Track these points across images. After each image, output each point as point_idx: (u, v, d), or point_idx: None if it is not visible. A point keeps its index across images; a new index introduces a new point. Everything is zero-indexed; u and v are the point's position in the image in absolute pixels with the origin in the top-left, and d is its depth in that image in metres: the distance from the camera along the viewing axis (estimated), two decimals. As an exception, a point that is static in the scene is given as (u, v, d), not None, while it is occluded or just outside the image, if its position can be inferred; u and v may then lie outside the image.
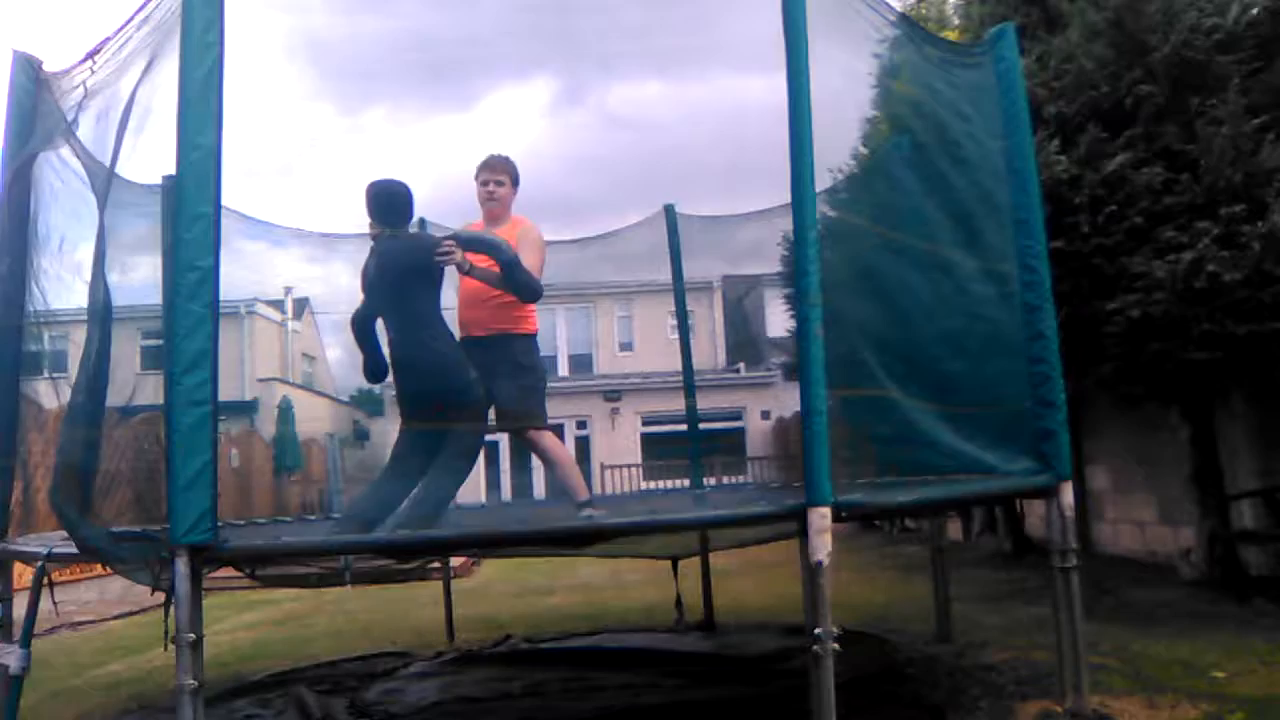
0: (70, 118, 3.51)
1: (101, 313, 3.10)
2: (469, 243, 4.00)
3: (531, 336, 4.32)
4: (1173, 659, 4.42)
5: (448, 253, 3.85)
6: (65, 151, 3.65)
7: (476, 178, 4.43)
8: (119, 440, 3.36)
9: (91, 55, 3.45)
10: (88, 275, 3.23)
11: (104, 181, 3.29)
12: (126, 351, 3.35)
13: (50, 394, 3.89)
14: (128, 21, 3.24)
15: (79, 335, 3.16)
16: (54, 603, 3.61)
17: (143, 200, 3.98)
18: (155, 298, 3.43)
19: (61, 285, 3.76)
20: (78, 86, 3.53)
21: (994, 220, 3.99)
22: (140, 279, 3.76)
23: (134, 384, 3.24)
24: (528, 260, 4.06)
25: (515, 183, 4.44)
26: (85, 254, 3.57)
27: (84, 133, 3.50)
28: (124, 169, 3.36)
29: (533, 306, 4.25)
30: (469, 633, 6.29)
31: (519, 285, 4.02)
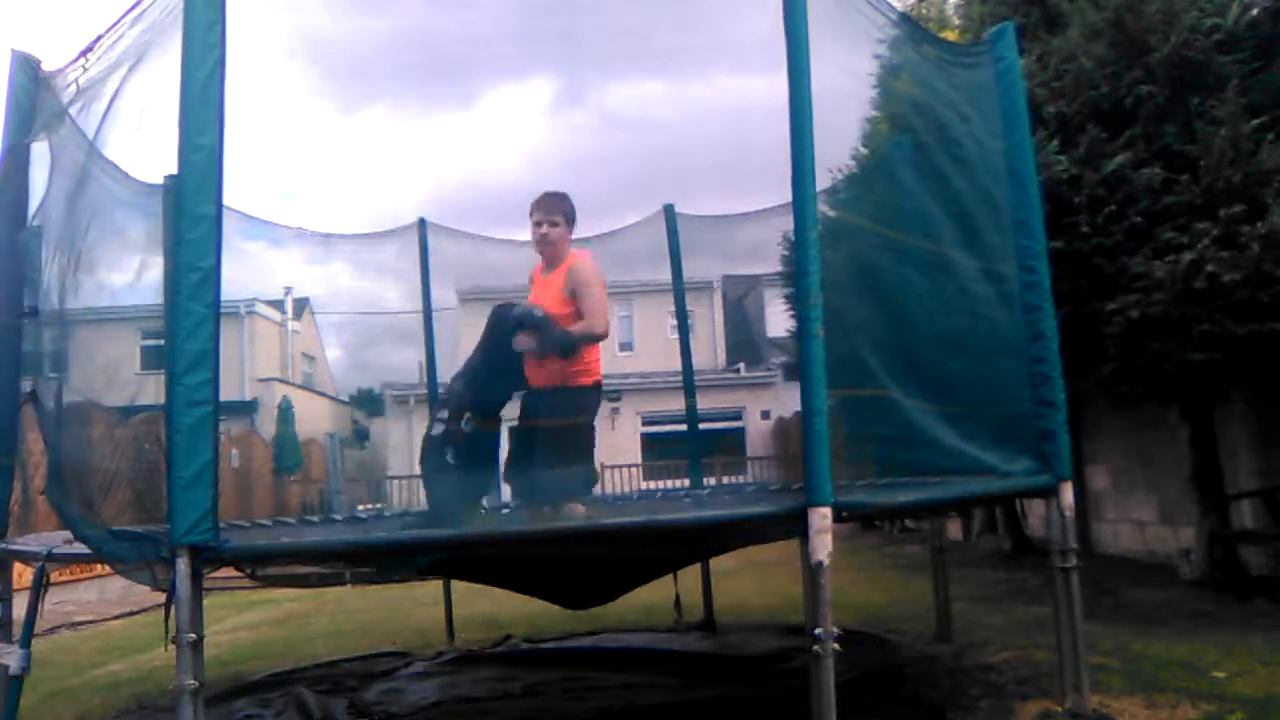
0: (59, 111, 3.51)
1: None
2: (533, 324, 4.03)
3: (580, 391, 4.15)
4: (1173, 659, 4.42)
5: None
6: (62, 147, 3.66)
7: (530, 216, 4.20)
8: (119, 440, 3.36)
9: (85, 53, 3.44)
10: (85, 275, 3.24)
11: (77, 174, 3.28)
12: (127, 351, 3.35)
13: (50, 393, 3.89)
14: (120, 19, 3.24)
15: (78, 335, 3.17)
16: (42, 602, 3.61)
17: (145, 200, 3.97)
18: (155, 298, 3.43)
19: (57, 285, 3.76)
20: (71, 84, 3.53)
21: (994, 220, 3.99)
22: (140, 279, 3.76)
23: (135, 384, 3.24)
24: (587, 303, 3.98)
25: (570, 221, 4.21)
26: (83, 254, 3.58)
27: (68, 128, 3.50)
28: (121, 164, 3.37)
29: (584, 360, 4.13)
30: (469, 633, 6.29)
31: (567, 348, 4.01)
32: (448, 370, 7.04)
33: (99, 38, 3.37)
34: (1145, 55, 5.55)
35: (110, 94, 3.27)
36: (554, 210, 4.16)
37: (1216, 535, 6.27)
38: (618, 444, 23.70)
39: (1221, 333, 5.11)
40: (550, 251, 4.21)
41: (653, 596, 7.09)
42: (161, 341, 2.81)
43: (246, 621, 7.77)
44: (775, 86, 3.05)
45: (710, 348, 25.34)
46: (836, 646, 2.83)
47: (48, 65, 3.82)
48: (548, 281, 4.20)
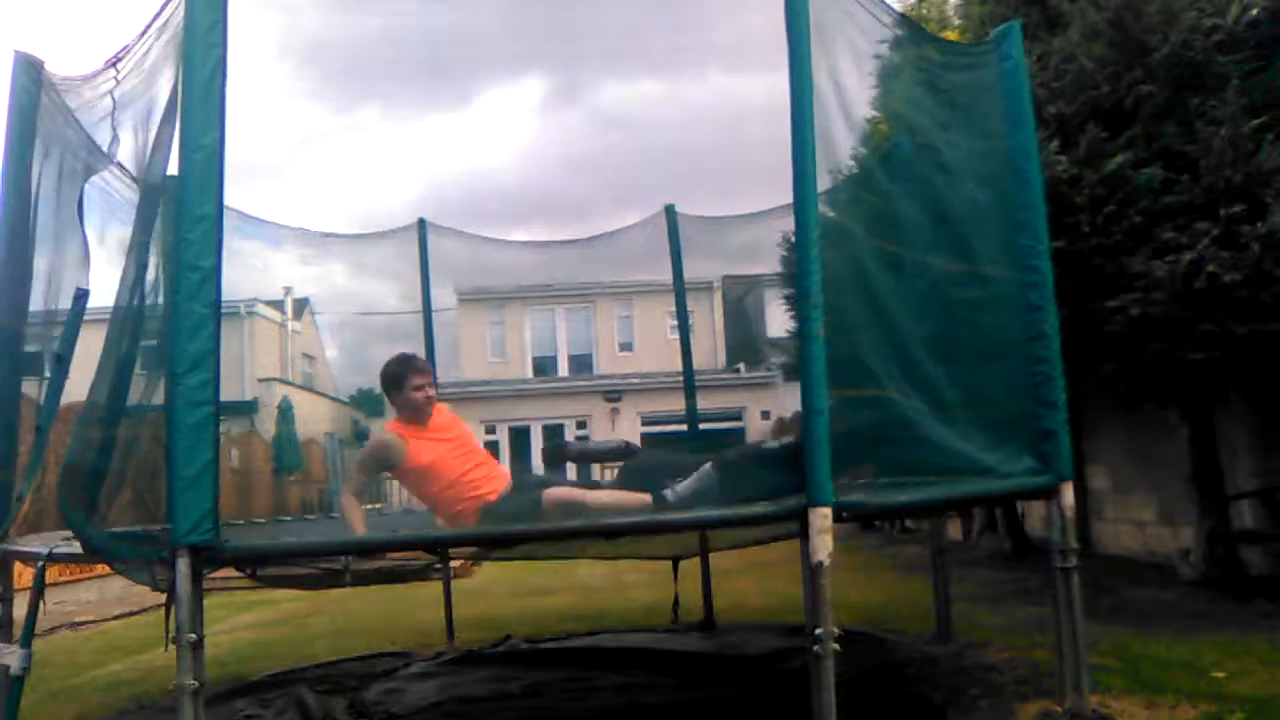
0: (110, 135, 3.47)
1: (134, 319, 3.07)
2: None
3: None
4: (1173, 659, 4.42)
5: None
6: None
7: (422, 374, 4.25)
8: (121, 440, 3.36)
9: (113, 63, 3.40)
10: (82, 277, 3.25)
11: (153, 192, 3.25)
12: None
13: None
14: (147, 28, 3.21)
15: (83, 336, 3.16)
16: (43, 602, 3.61)
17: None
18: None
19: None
20: (104, 96, 3.49)
21: (993, 221, 3.98)
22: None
23: (140, 384, 3.24)
24: None
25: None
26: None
27: (125, 149, 3.46)
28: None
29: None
30: (469, 633, 6.28)
31: None
32: (447, 370, 7.06)
33: (127, 47, 3.33)
34: (1145, 55, 5.55)
35: (153, 106, 3.23)
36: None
37: (1216, 535, 6.28)
38: (618, 444, 23.69)
39: (1222, 332, 5.11)
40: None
41: (653, 596, 7.11)
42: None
43: (246, 621, 7.77)
44: (774, 86, 3.06)
45: (710, 348, 25.33)
46: (836, 646, 2.83)
47: (63, 71, 3.81)
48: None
